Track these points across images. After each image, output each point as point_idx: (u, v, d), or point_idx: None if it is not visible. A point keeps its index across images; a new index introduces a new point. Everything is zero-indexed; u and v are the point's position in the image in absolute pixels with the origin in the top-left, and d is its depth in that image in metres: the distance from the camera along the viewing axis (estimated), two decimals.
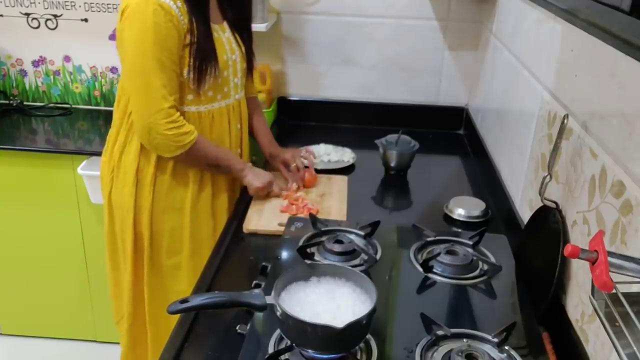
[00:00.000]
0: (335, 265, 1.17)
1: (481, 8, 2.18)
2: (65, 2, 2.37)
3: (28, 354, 2.51)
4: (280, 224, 1.51)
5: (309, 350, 0.97)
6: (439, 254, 1.30)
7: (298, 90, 2.41)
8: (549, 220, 1.21)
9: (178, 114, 1.51)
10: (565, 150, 1.19)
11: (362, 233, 1.39)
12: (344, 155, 1.99)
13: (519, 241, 1.37)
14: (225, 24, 1.64)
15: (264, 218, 1.58)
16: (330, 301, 1.01)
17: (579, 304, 1.06)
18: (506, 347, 1.01)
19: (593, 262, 0.70)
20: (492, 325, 1.06)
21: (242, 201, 1.70)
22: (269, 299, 0.99)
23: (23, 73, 2.50)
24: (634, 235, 0.88)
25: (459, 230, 1.53)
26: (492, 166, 1.81)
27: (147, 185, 1.62)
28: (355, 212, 1.62)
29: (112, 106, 1.73)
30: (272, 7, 2.27)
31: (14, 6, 2.38)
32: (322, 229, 1.41)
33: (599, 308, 0.71)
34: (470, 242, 1.36)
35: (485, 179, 1.86)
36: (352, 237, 1.37)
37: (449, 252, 1.30)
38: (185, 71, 1.51)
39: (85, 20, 2.39)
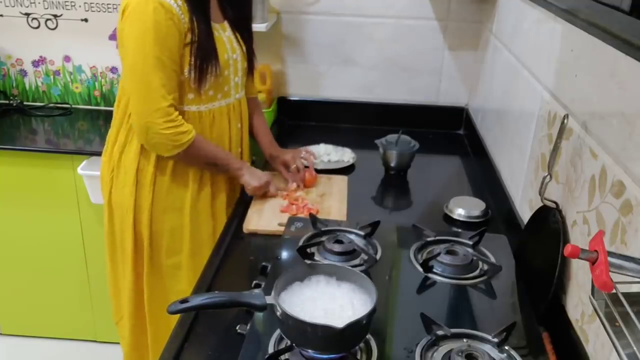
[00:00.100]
0: (335, 265, 1.17)
1: (481, 8, 2.18)
2: (65, 2, 2.37)
3: (28, 354, 2.51)
4: (280, 224, 1.51)
5: (309, 350, 0.97)
6: (439, 254, 1.30)
7: (298, 90, 2.41)
8: (549, 220, 1.21)
9: (176, 113, 1.51)
10: (565, 150, 1.19)
11: (362, 233, 1.39)
12: (344, 155, 1.99)
13: (519, 241, 1.37)
14: (225, 23, 1.64)
15: (264, 218, 1.58)
16: (330, 301, 1.01)
17: (579, 304, 1.06)
18: (506, 347, 1.01)
19: (593, 262, 0.70)
20: (492, 325, 1.06)
21: (242, 201, 1.70)
22: (269, 299, 0.99)
23: (23, 73, 2.50)
24: (634, 235, 0.88)
25: (459, 230, 1.53)
26: (492, 166, 1.81)
27: (147, 185, 1.62)
28: (355, 212, 1.62)
29: (112, 106, 1.73)
30: (272, 7, 2.27)
31: (14, 6, 2.38)
32: (322, 229, 1.41)
33: (599, 308, 0.71)
34: (470, 242, 1.36)
35: (485, 179, 1.86)
36: (352, 237, 1.37)
37: (449, 252, 1.30)
38: (186, 70, 1.51)
39: (85, 20, 2.39)
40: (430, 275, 1.26)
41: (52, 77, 2.50)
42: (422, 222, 1.44)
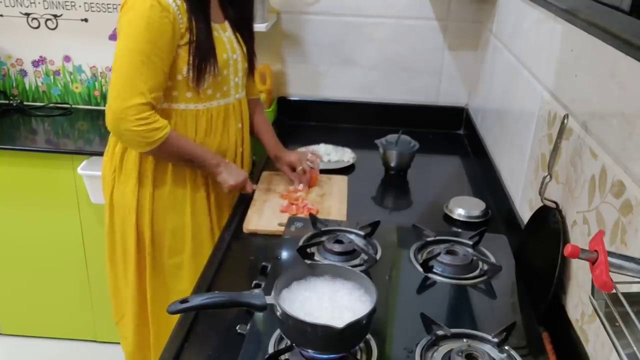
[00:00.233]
0: (335, 265, 1.17)
1: (481, 8, 2.18)
2: (65, 2, 2.37)
3: (28, 354, 2.51)
4: (280, 224, 1.51)
5: (309, 350, 0.97)
6: (439, 254, 1.30)
7: (298, 90, 2.41)
8: (549, 220, 1.21)
9: (151, 111, 1.48)
10: (565, 150, 1.19)
11: (362, 233, 1.39)
12: (344, 155, 1.99)
13: (519, 241, 1.37)
14: (226, 23, 1.64)
15: (264, 218, 1.58)
16: (330, 301, 1.01)
17: (579, 304, 1.06)
18: (506, 347, 1.01)
19: (593, 262, 0.70)
20: (492, 325, 1.06)
21: (242, 201, 1.70)
22: (269, 299, 0.99)
23: (23, 73, 2.50)
24: (634, 235, 0.88)
25: (459, 230, 1.53)
26: (492, 166, 1.81)
27: (149, 185, 1.62)
28: (355, 212, 1.62)
29: None
30: (272, 7, 2.27)
31: (14, 6, 2.38)
32: (322, 229, 1.41)
33: (599, 308, 0.71)
34: (470, 242, 1.36)
35: (485, 179, 1.86)
36: (352, 237, 1.37)
37: (449, 252, 1.30)
38: (184, 69, 1.51)
39: (85, 20, 2.39)
40: (430, 275, 1.26)
41: (52, 77, 2.50)
42: (422, 222, 1.44)
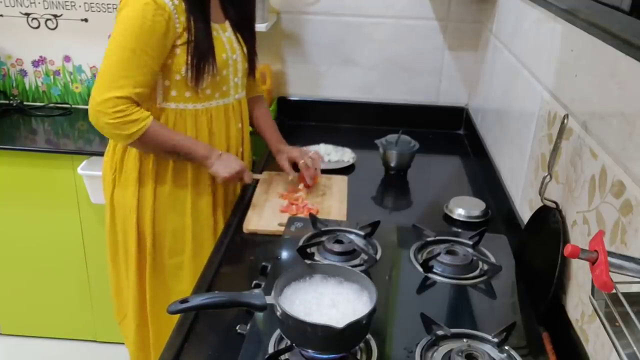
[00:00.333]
0: (335, 265, 1.17)
1: (481, 8, 2.18)
2: (65, 2, 2.37)
3: (28, 354, 2.51)
4: (280, 224, 1.51)
5: (309, 350, 0.97)
6: (439, 254, 1.30)
7: (298, 90, 2.41)
8: (549, 220, 1.21)
9: (129, 105, 1.45)
10: (565, 150, 1.19)
11: (362, 233, 1.39)
12: (344, 155, 1.99)
13: (519, 241, 1.37)
14: (227, 24, 1.64)
15: (264, 218, 1.58)
16: (330, 301, 1.01)
17: (579, 304, 1.06)
18: (506, 347, 1.01)
19: (593, 262, 0.70)
20: (492, 325, 1.06)
21: (242, 201, 1.70)
22: (269, 299, 0.99)
23: (23, 73, 2.50)
24: (634, 235, 0.88)
25: (459, 230, 1.53)
26: (492, 166, 1.81)
27: (149, 186, 1.62)
28: (355, 212, 1.62)
29: None
30: (272, 7, 2.27)
31: (14, 6, 2.38)
32: (322, 229, 1.41)
33: (599, 308, 0.71)
34: (470, 242, 1.36)
35: (485, 179, 1.86)
36: (352, 237, 1.37)
37: (449, 252, 1.30)
38: (183, 69, 1.51)
39: (85, 20, 2.39)
40: (430, 275, 1.26)
41: (52, 77, 2.50)
42: (422, 222, 1.44)
